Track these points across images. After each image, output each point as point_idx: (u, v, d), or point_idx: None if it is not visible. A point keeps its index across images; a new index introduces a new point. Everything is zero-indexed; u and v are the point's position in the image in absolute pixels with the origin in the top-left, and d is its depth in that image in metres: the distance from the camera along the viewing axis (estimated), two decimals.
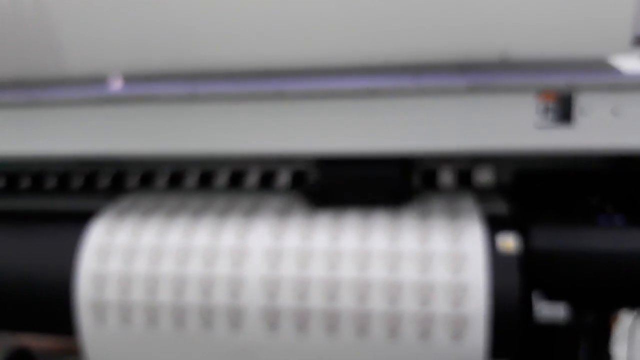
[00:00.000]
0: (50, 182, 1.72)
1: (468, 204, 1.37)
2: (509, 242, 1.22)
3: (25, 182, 1.74)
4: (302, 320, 1.24)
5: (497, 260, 1.20)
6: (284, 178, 1.60)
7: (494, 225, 1.26)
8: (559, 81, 1.22)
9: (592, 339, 1.38)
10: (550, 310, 1.21)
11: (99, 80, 1.44)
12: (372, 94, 1.26)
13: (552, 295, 1.23)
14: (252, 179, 1.62)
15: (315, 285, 1.24)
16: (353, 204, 1.37)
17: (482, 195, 1.45)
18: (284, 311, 1.25)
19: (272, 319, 1.26)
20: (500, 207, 1.36)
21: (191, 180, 1.65)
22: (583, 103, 1.21)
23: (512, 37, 1.31)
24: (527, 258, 1.23)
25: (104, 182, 1.69)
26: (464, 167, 1.49)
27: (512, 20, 1.30)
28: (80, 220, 1.43)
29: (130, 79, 1.43)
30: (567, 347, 1.38)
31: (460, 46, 1.31)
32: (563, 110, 1.22)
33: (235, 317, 1.27)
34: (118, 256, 1.34)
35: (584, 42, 1.39)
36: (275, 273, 1.26)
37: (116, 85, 1.42)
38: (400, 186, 1.37)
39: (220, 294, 1.28)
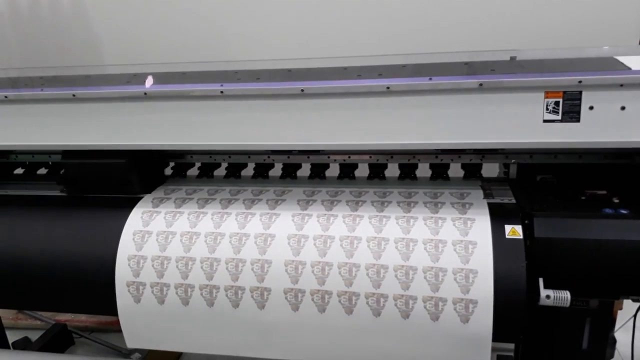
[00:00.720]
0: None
1: (477, 194, 1.45)
2: (515, 230, 1.30)
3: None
4: (322, 301, 1.34)
5: (504, 248, 1.28)
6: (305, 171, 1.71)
7: (502, 214, 1.34)
8: (568, 79, 1.27)
9: (595, 324, 1.46)
10: (554, 296, 1.28)
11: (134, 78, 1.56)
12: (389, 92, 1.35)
13: (557, 282, 1.29)
14: (278, 170, 1.72)
15: (335, 270, 1.34)
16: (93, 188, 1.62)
17: (490, 186, 1.53)
18: (306, 293, 1.34)
19: (294, 300, 1.35)
20: (508, 198, 1.43)
21: (220, 171, 1.76)
22: (591, 100, 1.27)
23: (523, 37, 1.38)
24: (533, 246, 1.30)
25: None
26: (475, 159, 1.56)
27: (524, 21, 1.37)
28: (122, 207, 1.55)
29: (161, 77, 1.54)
30: (571, 332, 1.46)
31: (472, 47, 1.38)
32: (571, 106, 1.29)
33: (261, 297, 1.37)
34: (153, 241, 1.45)
35: (592, 42, 1.45)
36: (298, 258, 1.36)
37: (149, 82, 1.53)
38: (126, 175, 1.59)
39: (247, 276, 1.38)
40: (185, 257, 1.43)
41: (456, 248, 1.29)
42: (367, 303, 1.32)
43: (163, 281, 1.43)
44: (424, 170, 1.65)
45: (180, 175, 1.76)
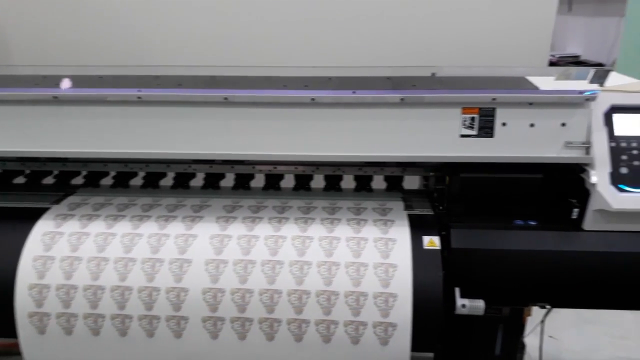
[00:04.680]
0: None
1: (398, 206, 1.49)
2: (433, 241, 1.33)
3: None
4: (242, 329, 1.30)
5: (422, 259, 1.31)
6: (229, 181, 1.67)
7: (421, 226, 1.38)
8: (483, 96, 1.33)
9: (506, 330, 1.53)
10: (470, 305, 1.32)
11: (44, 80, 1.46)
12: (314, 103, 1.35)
13: (473, 291, 1.34)
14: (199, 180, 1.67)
15: (256, 297, 1.30)
16: None
17: (411, 198, 1.57)
18: (226, 321, 1.30)
19: (213, 328, 1.31)
20: (427, 210, 1.48)
21: (137, 181, 1.68)
22: (504, 116, 1.34)
23: (443, 57, 1.45)
24: (450, 256, 1.34)
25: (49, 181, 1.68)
26: (397, 172, 1.59)
27: (443, 43, 1.44)
28: (23, 220, 1.42)
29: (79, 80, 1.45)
30: (485, 338, 1.52)
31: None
32: (486, 122, 1.35)
33: (177, 326, 1.31)
34: (56, 268, 1.34)
35: (506, 62, 1.54)
36: (217, 285, 1.31)
37: (66, 85, 1.44)
38: None
39: (162, 305, 1.31)
40: (93, 286, 1.33)
41: (377, 271, 1.30)
42: (289, 329, 1.30)
43: (70, 311, 1.33)
44: (349, 181, 1.67)
45: (92, 184, 1.66)
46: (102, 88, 1.40)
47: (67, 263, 1.35)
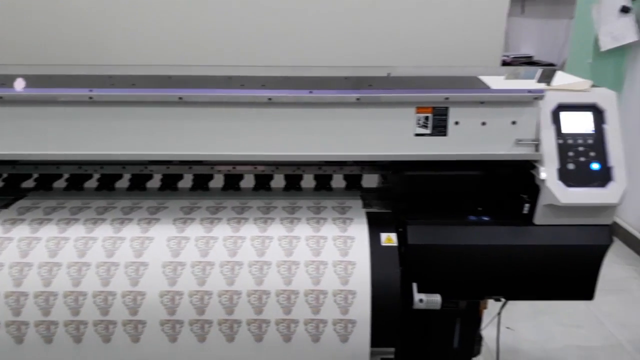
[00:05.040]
0: None
1: (357, 204, 1.50)
2: (390, 238, 1.36)
3: None
4: (201, 331, 1.29)
5: (380, 255, 1.33)
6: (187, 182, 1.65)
7: (379, 223, 1.40)
8: (437, 95, 1.36)
9: (464, 323, 1.57)
10: (427, 300, 1.35)
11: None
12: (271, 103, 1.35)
13: (430, 286, 1.37)
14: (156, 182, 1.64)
15: (215, 299, 1.29)
16: None
17: (369, 196, 1.59)
18: (184, 324, 1.29)
19: (172, 331, 1.29)
20: (384, 208, 1.50)
21: (91, 183, 1.64)
22: (457, 115, 1.37)
23: (397, 58, 1.47)
24: (407, 252, 1.37)
25: None
26: (355, 171, 1.61)
27: (398, 44, 1.47)
28: None
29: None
30: (443, 332, 1.56)
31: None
32: (439, 121, 1.38)
33: (135, 331, 1.29)
34: (5, 275, 1.29)
35: (460, 62, 1.58)
36: (174, 288, 1.29)
37: (20, 85, 1.39)
38: None
39: (118, 309, 1.28)
40: (45, 292, 1.29)
41: (336, 269, 1.31)
42: (249, 330, 1.29)
43: (20, 319, 1.28)
44: (309, 180, 1.68)
45: (44, 188, 1.61)
46: (53, 88, 1.36)
47: (16, 270, 1.30)
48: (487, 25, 1.93)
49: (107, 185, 1.62)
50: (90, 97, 1.32)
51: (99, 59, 1.94)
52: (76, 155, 1.40)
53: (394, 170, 1.50)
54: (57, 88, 1.35)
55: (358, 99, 1.34)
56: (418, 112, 1.36)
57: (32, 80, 1.43)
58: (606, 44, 3.51)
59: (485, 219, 1.45)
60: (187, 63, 1.60)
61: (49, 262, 1.31)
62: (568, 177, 1.36)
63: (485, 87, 1.43)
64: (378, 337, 1.31)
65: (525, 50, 5.18)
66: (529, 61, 4.77)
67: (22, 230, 1.37)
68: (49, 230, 1.37)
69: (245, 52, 1.93)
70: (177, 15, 1.97)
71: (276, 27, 1.94)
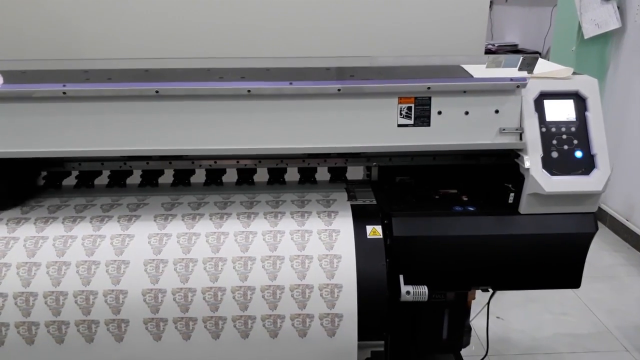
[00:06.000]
0: None
1: (342, 197, 1.49)
2: (376, 230, 1.34)
3: None
4: (186, 329, 1.27)
5: (366, 248, 1.31)
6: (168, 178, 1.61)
7: (364, 215, 1.38)
8: (419, 85, 1.34)
9: (452, 314, 1.56)
10: (414, 292, 1.34)
11: None
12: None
13: (416, 278, 1.36)
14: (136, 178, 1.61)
15: (199, 296, 1.26)
16: None
17: (354, 188, 1.57)
18: (169, 322, 1.26)
19: (156, 329, 1.27)
20: (370, 199, 1.49)
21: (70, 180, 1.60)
22: (440, 105, 1.35)
23: (380, 47, 1.45)
24: (392, 244, 1.35)
25: None
26: (339, 163, 1.59)
27: (380, 33, 1.44)
28: None
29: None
30: (432, 323, 1.55)
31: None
32: (422, 111, 1.36)
33: (118, 330, 1.27)
34: None
35: (443, 51, 1.56)
36: (157, 286, 1.27)
37: None
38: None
39: (101, 308, 1.26)
40: (24, 293, 1.26)
41: (322, 263, 1.29)
42: (235, 326, 1.27)
43: (0, 320, 1.25)
44: (293, 173, 1.65)
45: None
46: (26, 84, 1.32)
47: None
48: (470, 14, 1.91)
49: (85, 182, 1.59)
50: (64, 92, 1.28)
51: (73, 53, 1.90)
52: (52, 152, 1.36)
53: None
54: (30, 84, 1.31)
55: (339, 90, 1.32)
56: (400, 103, 1.34)
57: (5, 76, 1.39)
58: (589, 32, 3.51)
59: (471, 209, 1.44)
60: (164, 56, 1.57)
61: (27, 262, 1.28)
62: (552, 166, 1.35)
63: (468, 76, 1.41)
64: (366, 330, 1.30)
65: (510, 38, 5.18)
66: (514, 49, 4.77)
67: None
68: (27, 230, 1.34)
69: (224, 43, 1.89)
70: (154, 6, 1.93)
71: (255, 17, 1.90)
